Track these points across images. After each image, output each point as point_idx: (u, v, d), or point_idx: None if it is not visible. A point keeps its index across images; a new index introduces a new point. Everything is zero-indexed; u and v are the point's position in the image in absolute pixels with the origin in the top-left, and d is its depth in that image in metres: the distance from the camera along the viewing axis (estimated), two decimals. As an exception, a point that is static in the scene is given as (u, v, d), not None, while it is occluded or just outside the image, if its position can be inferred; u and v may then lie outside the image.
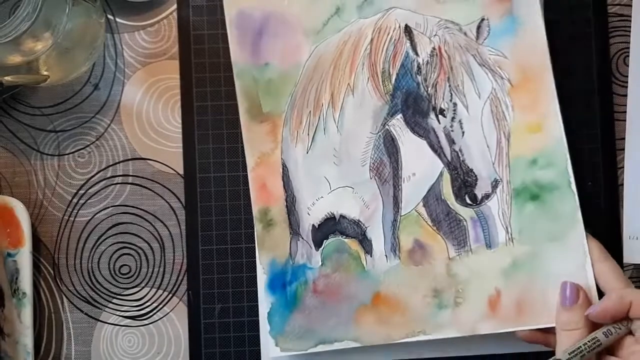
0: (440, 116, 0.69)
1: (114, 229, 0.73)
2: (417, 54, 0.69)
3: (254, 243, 0.71)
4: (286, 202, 0.70)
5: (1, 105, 0.73)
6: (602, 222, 0.72)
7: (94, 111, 0.73)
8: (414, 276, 0.70)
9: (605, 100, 0.73)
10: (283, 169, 0.71)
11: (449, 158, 0.69)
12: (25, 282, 0.70)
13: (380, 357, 0.72)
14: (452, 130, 0.68)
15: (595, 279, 0.64)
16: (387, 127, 0.70)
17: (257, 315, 0.71)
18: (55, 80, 0.67)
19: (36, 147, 0.72)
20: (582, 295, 0.64)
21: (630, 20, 0.74)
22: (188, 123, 0.72)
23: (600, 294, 0.67)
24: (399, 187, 0.70)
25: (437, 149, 0.69)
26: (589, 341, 0.61)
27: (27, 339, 0.70)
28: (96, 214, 0.72)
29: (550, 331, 0.65)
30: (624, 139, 0.73)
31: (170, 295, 0.72)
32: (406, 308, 0.69)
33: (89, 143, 0.73)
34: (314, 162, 0.70)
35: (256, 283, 0.71)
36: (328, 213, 0.71)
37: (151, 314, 0.72)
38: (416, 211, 0.70)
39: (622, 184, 0.73)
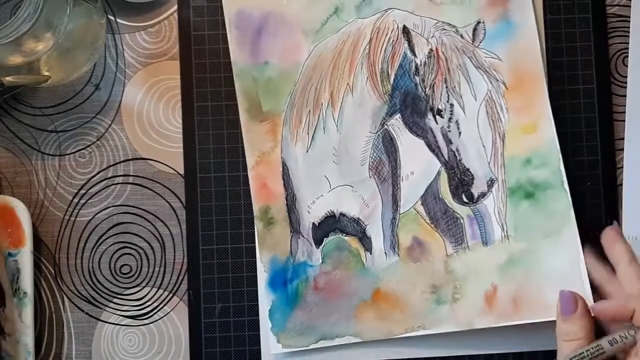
0: (437, 116, 0.72)
1: (114, 229, 0.74)
2: (415, 55, 0.72)
3: (254, 243, 0.73)
4: (286, 200, 0.72)
5: (2, 105, 0.74)
6: (602, 222, 0.72)
7: (95, 111, 0.74)
8: (413, 273, 0.74)
9: (605, 101, 0.75)
10: (283, 167, 0.72)
11: (446, 158, 0.71)
12: (26, 281, 0.72)
13: (380, 354, 0.75)
14: (449, 131, 0.71)
15: (622, 283, 0.64)
16: (385, 126, 0.72)
17: (258, 315, 0.73)
18: (56, 80, 0.69)
19: (37, 147, 0.74)
20: (580, 305, 0.65)
21: (629, 21, 0.76)
22: (188, 123, 0.73)
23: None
24: (397, 185, 0.72)
25: (434, 148, 0.73)
26: (592, 348, 0.63)
27: (28, 338, 0.72)
28: (97, 213, 0.74)
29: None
30: (623, 139, 0.75)
31: (171, 294, 0.73)
32: (405, 304, 0.73)
33: (89, 143, 0.74)
34: (314, 161, 0.72)
35: (256, 282, 0.73)
36: (328, 211, 0.74)
37: (152, 313, 0.74)
38: (414, 209, 0.74)
39: (622, 184, 0.74)
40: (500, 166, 0.73)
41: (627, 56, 0.76)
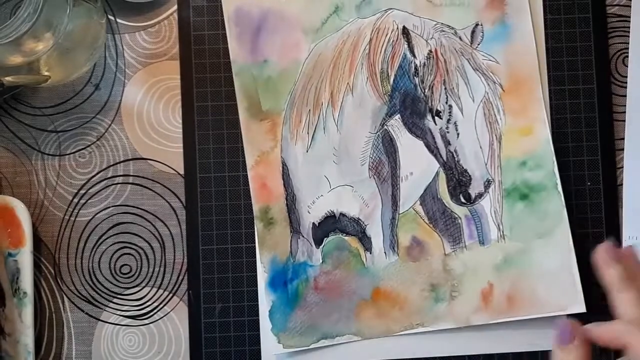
0: (436, 117, 0.74)
1: (114, 229, 0.75)
2: (414, 55, 0.73)
3: (254, 243, 0.73)
4: (286, 200, 0.73)
5: (2, 105, 0.75)
6: (602, 222, 0.73)
7: (95, 111, 0.75)
8: (412, 272, 0.76)
9: (605, 101, 0.76)
10: (283, 167, 0.73)
11: (445, 158, 0.73)
12: (26, 281, 0.73)
13: (380, 353, 0.76)
14: (447, 132, 0.73)
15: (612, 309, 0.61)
16: (385, 127, 0.73)
17: (258, 315, 0.73)
18: (56, 80, 0.70)
19: (37, 147, 0.74)
20: (579, 336, 0.60)
21: (629, 21, 0.77)
22: (188, 123, 0.74)
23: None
24: (397, 186, 0.73)
25: (433, 149, 0.76)
26: None
27: (27, 338, 0.73)
28: (97, 213, 0.75)
29: None
30: (623, 139, 0.77)
31: (171, 294, 0.74)
32: (405, 302, 0.76)
33: (89, 143, 0.75)
34: (314, 161, 0.73)
35: (256, 282, 0.74)
36: (328, 211, 0.76)
37: (152, 313, 0.74)
38: (414, 209, 0.77)
39: (622, 184, 0.74)
40: (497, 167, 0.76)
41: (627, 56, 0.77)
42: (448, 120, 0.75)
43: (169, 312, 0.77)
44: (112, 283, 0.77)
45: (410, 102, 0.75)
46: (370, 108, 0.76)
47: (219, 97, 0.77)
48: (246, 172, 0.76)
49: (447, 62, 0.75)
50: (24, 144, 0.78)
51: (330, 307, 0.75)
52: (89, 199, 0.78)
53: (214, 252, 0.77)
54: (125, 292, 0.77)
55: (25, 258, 0.74)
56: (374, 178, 0.76)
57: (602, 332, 0.58)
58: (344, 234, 0.76)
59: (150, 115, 0.78)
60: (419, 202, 0.76)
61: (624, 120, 0.77)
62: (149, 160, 0.78)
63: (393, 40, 0.75)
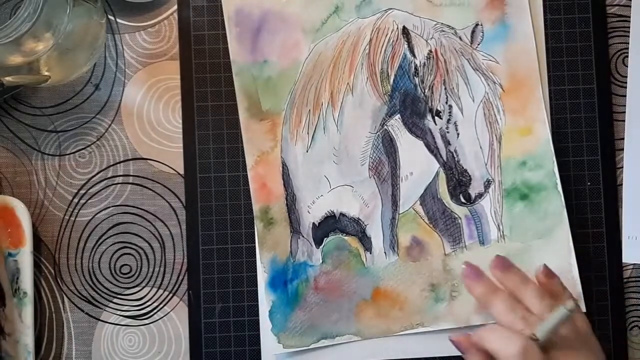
0: (436, 117, 0.74)
1: (114, 229, 0.76)
2: (414, 56, 0.73)
3: (254, 243, 0.74)
4: (286, 200, 0.73)
5: (2, 105, 0.75)
6: (602, 222, 0.73)
7: (95, 111, 0.75)
8: (412, 272, 0.76)
9: (605, 101, 0.76)
10: (283, 167, 0.73)
11: (445, 158, 0.74)
12: (26, 281, 0.73)
13: (380, 353, 0.76)
14: (447, 132, 0.73)
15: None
16: (385, 127, 0.73)
17: (258, 315, 0.74)
18: (56, 80, 0.70)
19: (37, 147, 0.74)
20: (470, 346, 0.68)
21: (629, 21, 0.77)
22: (188, 123, 0.75)
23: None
24: (397, 186, 0.73)
25: (433, 149, 0.76)
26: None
27: (28, 338, 0.73)
28: (97, 213, 0.75)
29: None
30: (623, 139, 0.77)
31: (171, 294, 0.74)
32: (405, 302, 0.76)
33: (89, 143, 0.75)
34: (314, 161, 0.74)
35: (256, 282, 0.74)
36: (328, 211, 0.77)
37: (152, 313, 0.75)
38: (413, 209, 0.77)
39: (622, 184, 0.74)
40: (496, 167, 0.76)
41: (627, 56, 0.77)
42: (448, 120, 0.75)
43: (169, 312, 0.77)
44: (112, 283, 0.78)
45: (410, 102, 0.76)
46: (370, 108, 0.76)
47: (219, 97, 0.77)
48: (246, 172, 0.76)
49: (447, 62, 0.75)
50: (24, 144, 0.78)
51: (330, 307, 0.76)
52: (89, 199, 0.78)
53: (214, 252, 0.77)
54: (125, 292, 0.78)
55: (25, 258, 0.74)
56: (374, 178, 0.76)
57: (483, 336, 0.65)
58: (344, 234, 0.76)
59: (150, 115, 0.78)
60: (419, 202, 0.76)
61: (624, 120, 0.77)
62: (149, 160, 0.78)
63: (393, 40, 0.76)
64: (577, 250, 0.75)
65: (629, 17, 0.78)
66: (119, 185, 0.78)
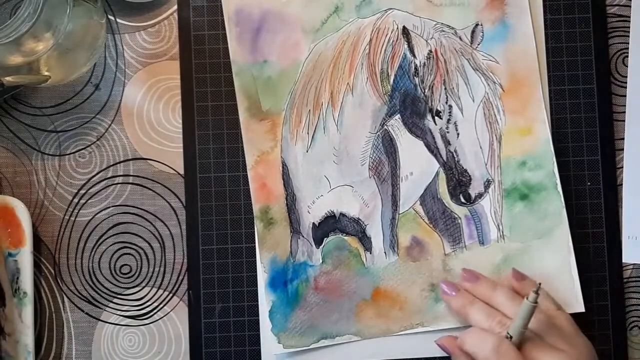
0: (436, 117, 0.74)
1: (114, 229, 0.76)
2: (414, 56, 0.73)
3: (254, 243, 0.74)
4: (286, 200, 0.73)
5: (2, 105, 0.75)
6: (602, 222, 0.73)
7: (95, 111, 0.75)
8: (412, 271, 0.76)
9: (605, 101, 0.76)
10: (283, 167, 0.73)
11: (445, 158, 0.74)
12: (26, 281, 0.73)
13: (380, 352, 0.77)
14: (447, 132, 0.74)
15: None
16: (385, 127, 0.73)
17: (258, 315, 0.74)
18: (56, 80, 0.70)
19: (37, 147, 0.74)
20: (455, 348, 0.71)
21: (629, 21, 0.77)
22: (188, 123, 0.74)
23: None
24: (397, 186, 0.73)
25: (433, 149, 0.76)
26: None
27: (28, 338, 0.73)
28: (97, 213, 0.75)
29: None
30: (623, 139, 0.76)
31: (171, 294, 0.74)
32: (405, 302, 0.76)
33: (89, 143, 0.75)
34: (314, 161, 0.74)
35: (256, 282, 0.74)
36: (328, 211, 0.77)
37: (152, 313, 0.75)
38: (413, 209, 0.77)
39: (622, 184, 0.74)
40: (496, 167, 0.76)
41: (627, 56, 0.77)
42: (448, 120, 0.76)
43: (169, 312, 0.77)
44: (112, 283, 0.78)
45: (410, 102, 0.76)
46: (370, 108, 0.76)
47: (219, 97, 0.77)
48: (246, 172, 0.76)
49: (447, 62, 0.75)
50: (24, 144, 0.78)
51: (330, 307, 0.76)
52: (89, 199, 0.78)
53: (214, 252, 0.77)
54: (125, 292, 0.78)
55: (25, 258, 0.74)
56: (374, 178, 0.76)
57: (462, 339, 0.69)
58: (344, 234, 0.76)
59: (150, 115, 0.78)
60: (419, 202, 0.76)
61: (624, 120, 0.77)
62: (149, 160, 0.78)
63: (393, 40, 0.76)
64: (577, 250, 0.75)
65: (629, 17, 0.78)
66: (119, 185, 0.78)
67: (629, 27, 0.78)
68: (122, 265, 0.78)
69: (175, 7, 0.78)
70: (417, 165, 0.76)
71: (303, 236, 0.76)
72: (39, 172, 0.78)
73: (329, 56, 0.77)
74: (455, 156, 0.76)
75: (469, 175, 0.76)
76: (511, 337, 0.66)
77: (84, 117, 0.78)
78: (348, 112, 0.76)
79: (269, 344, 0.75)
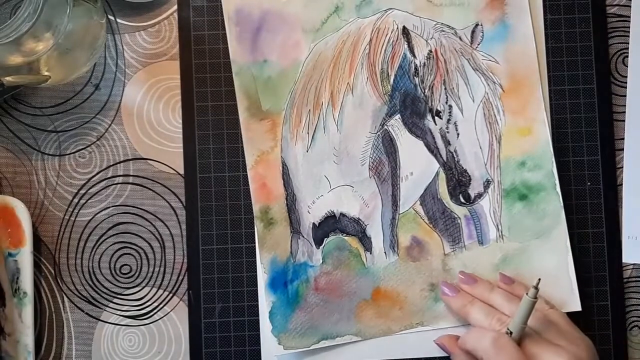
0: (436, 118, 0.74)
1: (114, 229, 0.76)
2: (414, 56, 0.74)
3: (254, 243, 0.74)
4: (286, 200, 0.73)
5: (2, 105, 0.75)
6: (602, 222, 0.73)
7: (95, 111, 0.75)
8: (412, 271, 0.77)
9: (605, 101, 0.75)
10: (283, 167, 0.73)
11: (445, 159, 0.75)
12: (26, 281, 0.73)
13: (380, 352, 0.77)
14: (447, 132, 0.74)
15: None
16: (385, 127, 0.73)
17: (258, 315, 0.74)
18: (56, 80, 0.70)
19: (37, 147, 0.74)
20: (454, 347, 0.73)
21: (629, 21, 0.77)
22: (188, 123, 0.74)
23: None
24: (397, 186, 0.73)
25: (433, 149, 0.76)
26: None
27: (28, 338, 0.74)
28: (97, 213, 0.75)
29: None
30: (623, 139, 0.76)
31: (171, 294, 0.74)
32: (405, 302, 0.76)
33: (89, 143, 0.75)
34: (314, 161, 0.74)
35: (256, 282, 0.74)
36: (328, 211, 0.77)
37: (152, 313, 0.75)
38: (413, 209, 0.77)
39: (622, 184, 0.74)
40: (496, 167, 0.76)
41: (627, 56, 0.77)
42: (448, 121, 0.76)
43: (169, 312, 0.77)
44: (112, 283, 0.78)
45: (410, 102, 0.76)
46: (370, 108, 0.76)
47: (219, 97, 0.77)
48: (246, 172, 0.76)
49: (447, 62, 0.76)
50: (24, 144, 0.78)
51: (330, 307, 0.76)
52: (89, 199, 0.78)
53: (214, 252, 0.77)
54: (125, 292, 0.78)
55: (25, 258, 0.74)
56: (374, 178, 0.76)
57: (463, 338, 0.70)
58: (344, 234, 0.76)
59: (150, 115, 0.78)
60: (419, 202, 0.76)
61: (624, 120, 0.77)
62: (149, 160, 0.78)
63: (393, 40, 0.76)
64: (577, 250, 0.75)
65: (629, 17, 0.78)
66: (119, 185, 0.78)
67: (629, 27, 0.78)
68: (122, 265, 0.78)
69: (175, 7, 0.78)
70: (417, 165, 0.76)
71: (303, 236, 0.76)
72: (39, 172, 0.78)
73: (329, 56, 0.77)
74: (455, 156, 0.76)
75: (469, 176, 0.76)
76: (511, 333, 0.66)
77: (84, 117, 0.78)
78: (348, 112, 0.77)
79: (270, 346, 0.75)
